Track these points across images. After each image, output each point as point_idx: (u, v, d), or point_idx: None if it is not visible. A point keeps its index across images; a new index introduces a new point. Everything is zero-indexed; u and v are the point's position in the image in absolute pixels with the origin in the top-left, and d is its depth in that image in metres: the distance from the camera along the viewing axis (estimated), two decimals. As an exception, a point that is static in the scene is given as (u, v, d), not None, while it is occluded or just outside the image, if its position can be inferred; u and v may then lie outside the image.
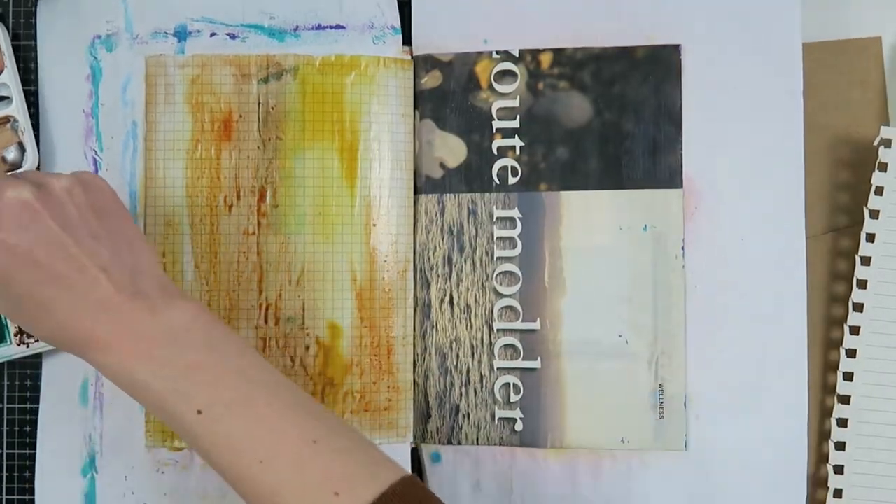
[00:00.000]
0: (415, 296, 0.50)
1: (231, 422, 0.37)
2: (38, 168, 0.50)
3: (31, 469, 0.50)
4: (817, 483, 0.49)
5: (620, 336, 0.49)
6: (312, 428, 0.37)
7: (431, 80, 0.50)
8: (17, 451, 0.51)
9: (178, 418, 0.37)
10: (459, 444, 0.50)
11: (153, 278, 0.40)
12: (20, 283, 0.37)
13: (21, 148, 0.50)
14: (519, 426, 0.49)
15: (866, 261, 0.48)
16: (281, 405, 0.38)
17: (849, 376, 0.48)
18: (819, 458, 0.49)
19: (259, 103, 0.50)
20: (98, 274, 0.38)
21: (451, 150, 0.50)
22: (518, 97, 0.50)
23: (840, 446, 0.48)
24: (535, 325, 0.49)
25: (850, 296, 0.48)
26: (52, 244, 0.37)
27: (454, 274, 0.50)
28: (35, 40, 0.51)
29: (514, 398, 0.50)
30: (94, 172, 0.40)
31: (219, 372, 0.38)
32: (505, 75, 0.50)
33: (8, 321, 0.49)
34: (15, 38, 0.51)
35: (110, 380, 0.39)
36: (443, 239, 0.50)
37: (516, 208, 0.50)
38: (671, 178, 0.49)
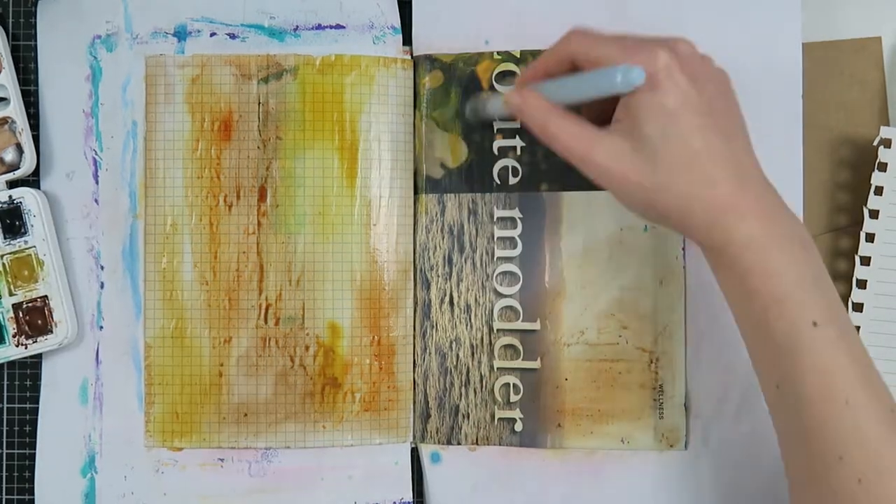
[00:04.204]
0: (415, 296, 0.50)
1: (835, 351, 0.36)
2: (36, 167, 0.50)
3: (31, 469, 0.50)
4: (817, 483, 0.49)
5: (620, 336, 0.49)
6: (890, 398, 0.37)
7: (433, 80, 0.50)
8: (17, 451, 0.51)
9: (785, 321, 0.36)
10: (459, 444, 0.50)
11: (766, 180, 0.39)
12: (688, 123, 0.37)
13: (19, 149, 0.49)
14: (519, 426, 0.49)
15: (866, 261, 0.48)
16: (868, 358, 0.38)
17: (848, 376, 0.48)
18: (819, 457, 0.49)
19: (259, 103, 0.50)
20: (744, 146, 0.38)
21: (451, 150, 0.50)
22: (519, 97, 0.50)
23: (840, 446, 0.48)
24: (535, 326, 0.49)
25: (850, 296, 0.48)
26: (713, 102, 0.38)
27: (454, 274, 0.50)
28: (35, 40, 0.51)
29: (513, 398, 0.50)
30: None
31: (834, 296, 0.37)
32: (506, 76, 0.50)
33: (7, 323, 0.49)
34: (14, 38, 0.51)
35: (726, 254, 0.38)
36: (443, 239, 0.50)
37: (517, 208, 0.50)
38: (671, 178, 0.49)
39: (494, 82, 0.50)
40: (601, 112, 0.40)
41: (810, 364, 0.36)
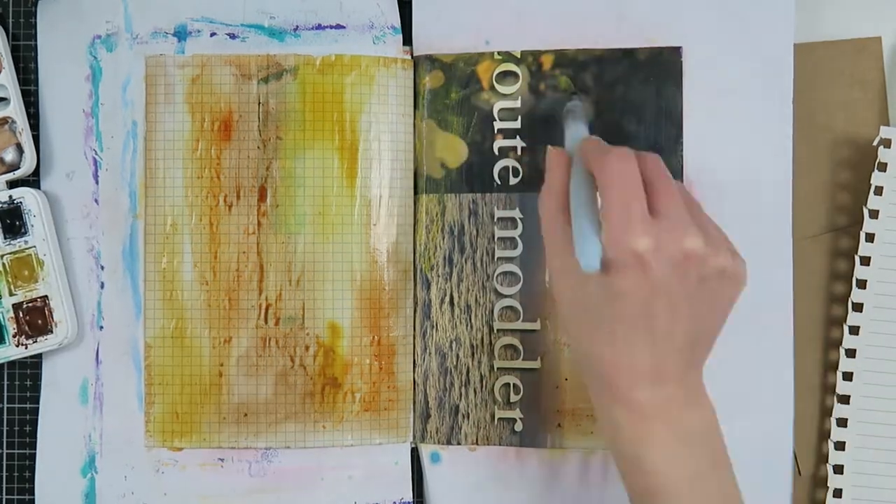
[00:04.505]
0: (415, 296, 0.50)
1: None
2: (36, 167, 0.50)
3: (31, 469, 0.50)
4: (817, 483, 0.49)
5: (620, 336, 0.49)
6: None
7: (433, 80, 0.50)
8: (17, 451, 0.51)
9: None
10: (459, 444, 0.50)
11: (697, 372, 0.40)
12: (624, 313, 0.37)
13: (19, 149, 0.49)
14: (519, 426, 0.49)
15: (866, 261, 0.48)
16: None
17: (849, 376, 0.48)
18: (819, 458, 0.49)
19: (259, 103, 0.50)
20: (680, 348, 0.38)
21: (452, 150, 0.50)
22: (519, 98, 0.50)
23: (840, 446, 0.48)
24: (536, 326, 0.49)
25: (849, 296, 0.48)
26: (667, 293, 0.37)
27: (455, 274, 0.50)
28: (35, 40, 0.51)
29: (513, 398, 0.50)
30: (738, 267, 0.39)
31: (716, 491, 0.39)
32: (506, 76, 0.50)
33: (7, 323, 0.49)
34: (14, 38, 0.51)
35: (614, 442, 0.39)
36: (443, 239, 0.50)
37: (517, 209, 0.50)
38: (672, 178, 0.49)
39: (495, 82, 0.50)
40: None
41: None
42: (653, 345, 0.37)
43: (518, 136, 0.50)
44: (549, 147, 0.42)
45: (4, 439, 0.51)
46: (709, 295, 0.38)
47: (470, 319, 0.50)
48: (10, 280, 0.49)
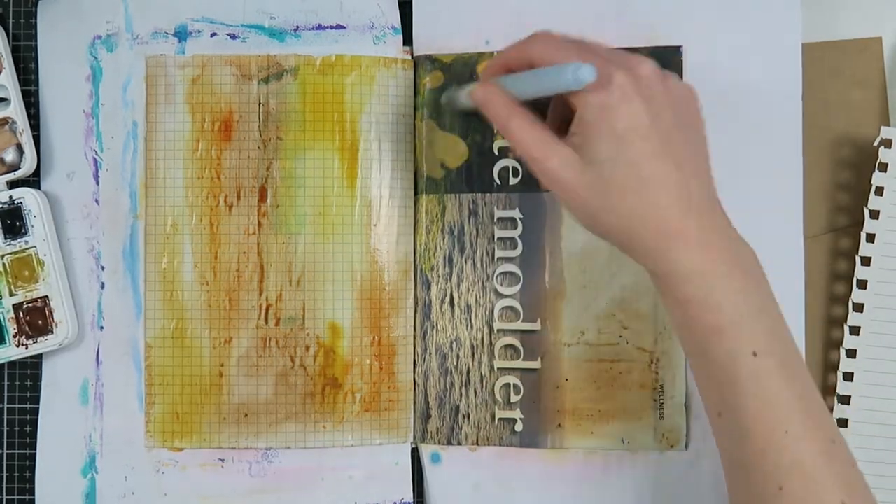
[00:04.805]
0: (415, 296, 0.50)
1: (775, 381, 0.36)
2: (37, 167, 0.50)
3: (31, 469, 0.50)
4: (817, 483, 0.49)
5: (620, 336, 0.49)
6: (831, 428, 0.37)
7: (433, 80, 0.50)
8: (17, 451, 0.51)
9: (724, 351, 0.36)
10: (459, 444, 0.50)
11: (719, 206, 0.39)
12: (638, 149, 0.36)
13: (19, 149, 0.49)
14: (519, 426, 0.49)
15: (866, 261, 0.48)
16: (811, 386, 0.37)
17: (849, 376, 0.48)
18: (819, 458, 0.49)
19: (259, 103, 0.50)
20: (696, 172, 0.37)
21: (452, 150, 0.50)
22: (519, 98, 0.50)
23: (840, 446, 0.48)
24: (536, 326, 0.49)
25: (850, 296, 0.48)
26: (667, 126, 0.37)
27: (455, 274, 0.50)
28: (35, 41, 0.51)
29: (514, 398, 0.50)
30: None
31: (778, 325, 0.37)
32: (506, 76, 0.50)
33: (7, 323, 0.49)
34: (15, 38, 0.51)
35: (668, 282, 0.37)
36: (443, 239, 0.50)
37: (517, 209, 0.50)
38: (672, 178, 0.49)
39: (495, 82, 0.50)
40: (564, 122, 0.40)
41: (750, 394, 0.36)
42: (677, 169, 0.36)
43: (518, 137, 0.50)
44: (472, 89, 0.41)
45: (4, 439, 0.51)
46: (684, 105, 0.38)
47: (470, 319, 0.50)
48: (10, 280, 0.49)
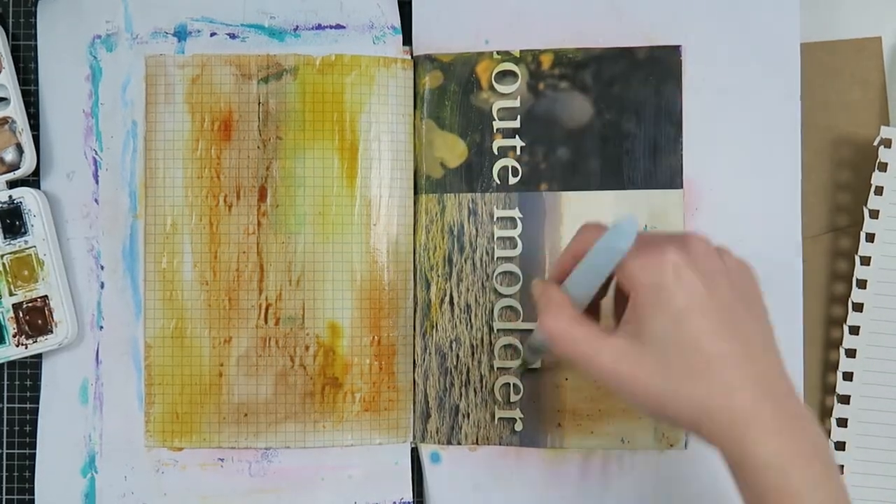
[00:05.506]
0: (415, 296, 0.50)
1: None
2: (36, 167, 0.50)
3: (31, 469, 0.50)
4: (817, 483, 0.49)
5: (620, 336, 0.49)
6: None
7: (432, 80, 0.50)
8: (17, 451, 0.51)
9: None
10: (459, 444, 0.50)
11: (791, 386, 0.37)
12: (699, 326, 0.35)
13: (19, 149, 0.49)
14: (519, 426, 0.49)
15: (866, 261, 0.48)
16: None
17: (849, 376, 0.48)
18: (819, 457, 0.49)
19: (259, 103, 0.50)
20: (764, 349, 0.35)
21: (451, 150, 0.50)
22: (519, 97, 0.50)
23: (840, 446, 0.48)
24: (536, 326, 0.49)
25: (849, 296, 0.48)
26: (727, 301, 0.35)
27: (454, 274, 0.50)
28: (35, 40, 0.51)
29: (513, 398, 0.50)
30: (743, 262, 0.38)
31: None
32: (506, 75, 0.50)
33: (7, 323, 0.49)
34: (14, 38, 0.51)
35: (744, 468, 0.34)
36: (443, 239, 0.50)
37: (517, 208, 0.50)
38: (672, 178, 0.49)
39: (494, 82, 0.50)
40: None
41: None
42: (743, 346, 0.35)
43: (517, 136, 0.50)
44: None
45: (4, 439, 0.51)
46: (742, 279, 0.37)
47: (470, 319, 0.50)
48: (10, 280, 0.49)
